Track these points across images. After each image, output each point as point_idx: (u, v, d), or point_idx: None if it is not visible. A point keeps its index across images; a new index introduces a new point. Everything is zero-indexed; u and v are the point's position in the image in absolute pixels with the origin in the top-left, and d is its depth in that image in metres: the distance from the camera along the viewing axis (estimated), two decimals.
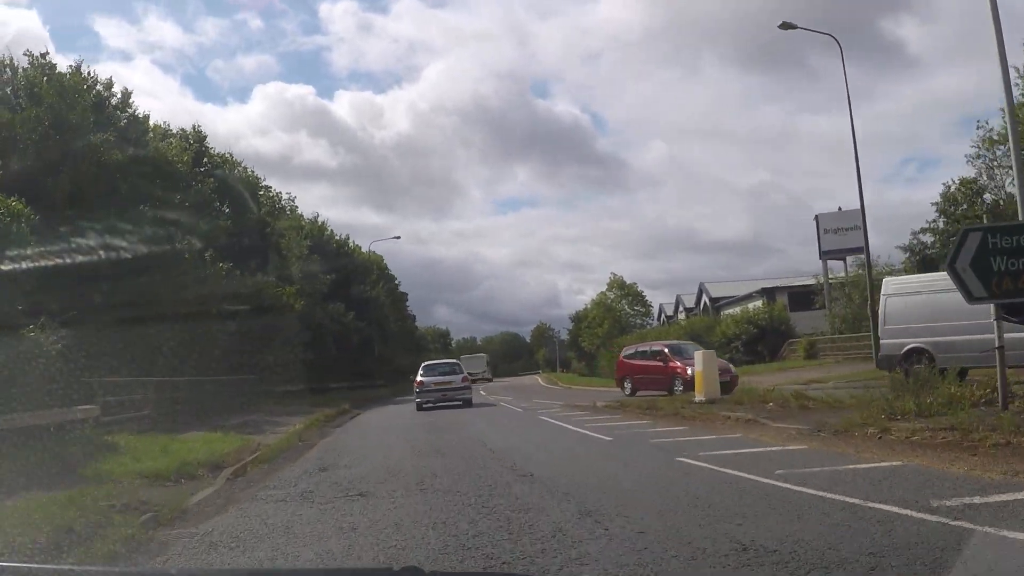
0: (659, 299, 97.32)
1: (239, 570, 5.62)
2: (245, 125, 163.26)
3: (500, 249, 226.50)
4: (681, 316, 78.41)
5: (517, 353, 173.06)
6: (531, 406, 25.42)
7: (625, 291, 73.77)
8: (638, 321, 74.49)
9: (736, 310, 55.94)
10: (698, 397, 19.94)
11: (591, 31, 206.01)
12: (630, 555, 5.51)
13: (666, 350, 27.30)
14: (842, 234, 39.01)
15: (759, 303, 52.49)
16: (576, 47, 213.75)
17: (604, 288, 74.30)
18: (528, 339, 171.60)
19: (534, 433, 16.26)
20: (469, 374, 33.90)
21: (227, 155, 39.71)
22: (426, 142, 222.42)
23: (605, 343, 72.92)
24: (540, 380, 78.97)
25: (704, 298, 71.78)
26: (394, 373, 64.03)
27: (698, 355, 21.72)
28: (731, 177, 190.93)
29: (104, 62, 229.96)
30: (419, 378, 29.57)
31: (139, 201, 24.91)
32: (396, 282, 67.49)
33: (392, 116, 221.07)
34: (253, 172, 40.47)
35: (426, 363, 33.10)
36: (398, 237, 61.10)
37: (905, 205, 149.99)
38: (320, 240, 51.25)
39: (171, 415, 20.44)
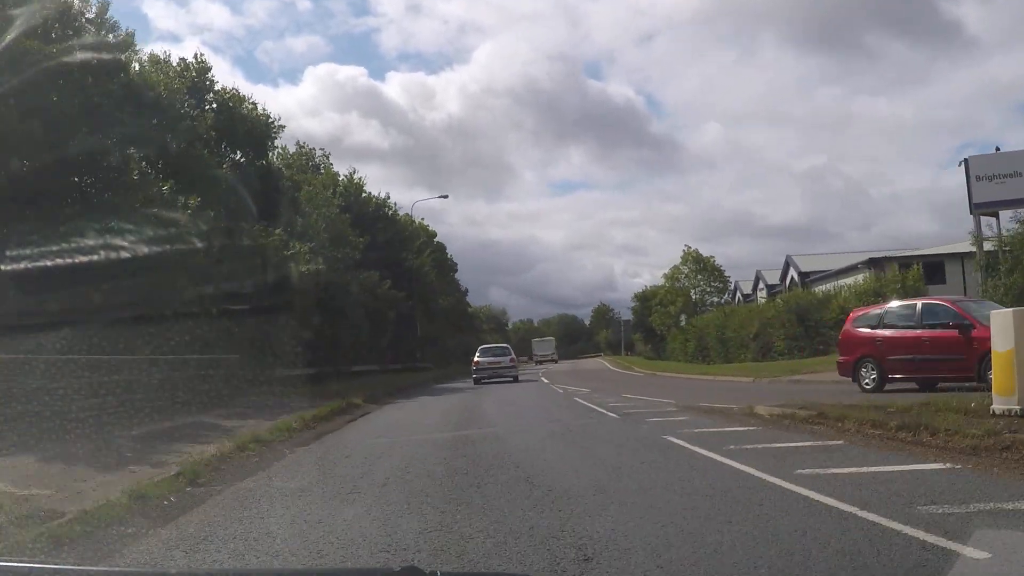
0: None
1: (239, 570, 5.14)
2: (297, 106, 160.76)
3: (555, 231, 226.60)
4: (761, 294, 70.14)
5: (575, 336, 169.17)
6: (624, 406, 17.25)
7: (701, 265, 65.68)
8: (715, 299, 66.32)
9: (828, 286, 47.63)
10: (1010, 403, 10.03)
11: (645, 11, 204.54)
12: None
13: (958, 308, 16.48)
14: (999, 182, 30.62)
15: (864, 275, 44.13)
16: (629, 27, 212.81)
17: (678, 262, 66.45)
18: (586, 322, 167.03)
19: (718, 509, 6.43)
20: (539, 356, 41.47)
21: (235, 91, 32.87)
22: (478, 124, 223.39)
23: (678, 323, 65.18)
24: (607, 363, 71.65)
25: (791, 273, 63.27)
26: (441, 354, 57.10)
27: (1000, 317, 10.98)
28: (787, 160, 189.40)
29: (155, 43, 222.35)
30: (476, 358, 36.73)
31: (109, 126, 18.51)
32: (446, 253, 60.34)
33: (444, 97, 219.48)
34: (267, 114, 33.54)
35: (482, 346, 41.38)
36: (446, 196, 48.96)
37: (962, 190, 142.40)
38: (355, 200, 44.33)
39: (95, 411, 13.70)
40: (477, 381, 33.95)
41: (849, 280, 45.03)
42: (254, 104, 32.66)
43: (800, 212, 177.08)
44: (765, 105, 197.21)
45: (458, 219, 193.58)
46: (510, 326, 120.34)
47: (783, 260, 64.48)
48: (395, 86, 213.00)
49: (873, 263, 46.57)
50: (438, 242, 58.65)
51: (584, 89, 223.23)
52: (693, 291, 65.92)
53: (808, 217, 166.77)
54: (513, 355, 37.62)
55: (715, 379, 28.85)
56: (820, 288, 51.42)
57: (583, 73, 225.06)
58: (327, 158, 44.38)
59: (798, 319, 35.84)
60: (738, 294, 77.59)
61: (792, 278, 63.35)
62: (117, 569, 4.82)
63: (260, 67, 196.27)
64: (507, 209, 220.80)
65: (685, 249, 66.05)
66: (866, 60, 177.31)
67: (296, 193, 34.44)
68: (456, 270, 63.50)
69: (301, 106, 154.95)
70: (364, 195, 46.06)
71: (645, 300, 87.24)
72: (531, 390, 27.25)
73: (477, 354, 37.15)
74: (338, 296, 32.92)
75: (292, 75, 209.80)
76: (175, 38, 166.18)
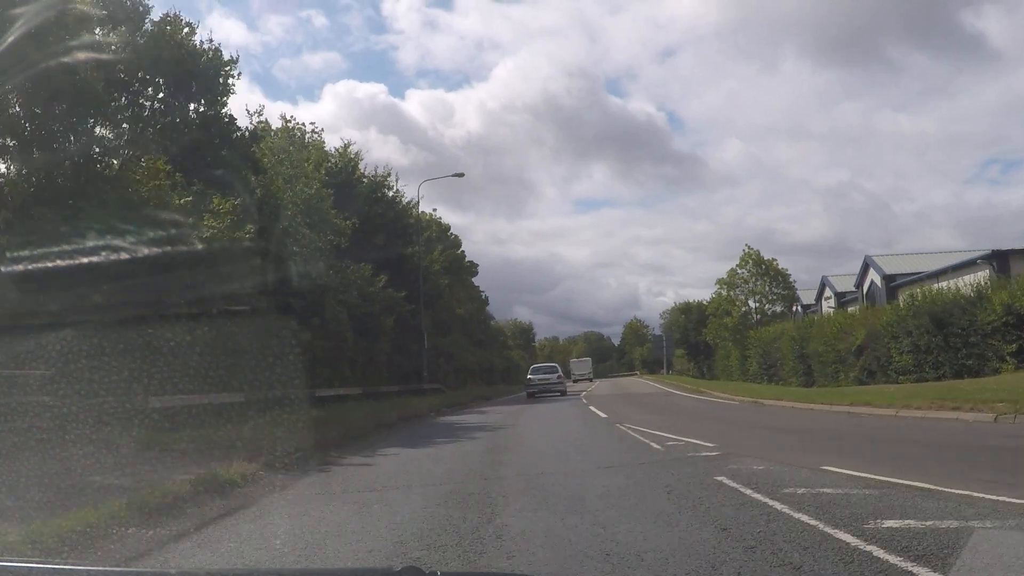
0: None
1: (239, 570, 5.44)
2: (317, 123, 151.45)
3: (579, 249, 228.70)
4: (828, 303, 60.52)
5: (604, 354, 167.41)
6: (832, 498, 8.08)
7: (763, 269, 56.07)
8: (777, 308, 56.47)
9: (915, 290, 38.11)
10: None
11: (664, 26, 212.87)
12: None
13: None
14: None
15: (984, 273, 34.52)
16: (649, 43, 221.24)
17: (735, 264, 56.73)
18: (615, 340, 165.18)
19: None
20: (576, 375, 53.24)
21: (183, 18, 24.09)
22: (499, 140, 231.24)
23: (736, 338, 55.58)
24: (650, 382, 62.21)
25: (871, 277, 53.59)
26: (457, 373, 47.79)
27: None
28: (810, 176, 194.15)
29: None
30: (529, 376, 44.59)
31: None
32: (462, 252, 51.13)
33: (463, 115, 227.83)
34: (216, 48, 24.75)
35: (533, 366, 50.20)
36: (461, 174, 39.72)
37: (987, 207, 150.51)
38: (345, 177, 35.31)
39: None
40: (530, 396, 40.26)
41: (961, 280, 35.35)
42: (190, 28, 23.76)
43: (824, 229, 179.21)
44: (787, 120, 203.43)
45: (482, 237, 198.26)
46: (536, 342, 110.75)
47: (818, 279, 55.49)
48: (415, 103, 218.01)
49: (996, 255, 36.91)
50: (453, 236, 49.53)
51: (605, 105, 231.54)
52: (752, 299, 56.28)
53: (832, 234, 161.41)
54: (560, 373, 46.19)
55: (851, 412, 19.37)
56: (909, 291, 41.84)
57: (604, 89, 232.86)
58: (319, 135, 35.35)
59: (935, 325, 26.22)
60: (796, 306, 67.89)
61: (872, 283, 53.72)
62: (117, 569, 4.76)
63: (278, 84, 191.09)
64: (530, 227, 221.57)
65: (745, 249, 56.49)
66: (889, 73, 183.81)
67: (253, 147, 25.55)
68: (475, 272, 54.19)
69: (321, 123, 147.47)
70: (357, 173, 36.96)
71: (687, 312, 77.75)
72: (583, 435, 17.96)
73: (529, 373, 45.85)
74: (308, 294, 23.88)
75: (310, 92, 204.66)
76: None
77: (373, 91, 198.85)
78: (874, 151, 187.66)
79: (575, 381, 78.58)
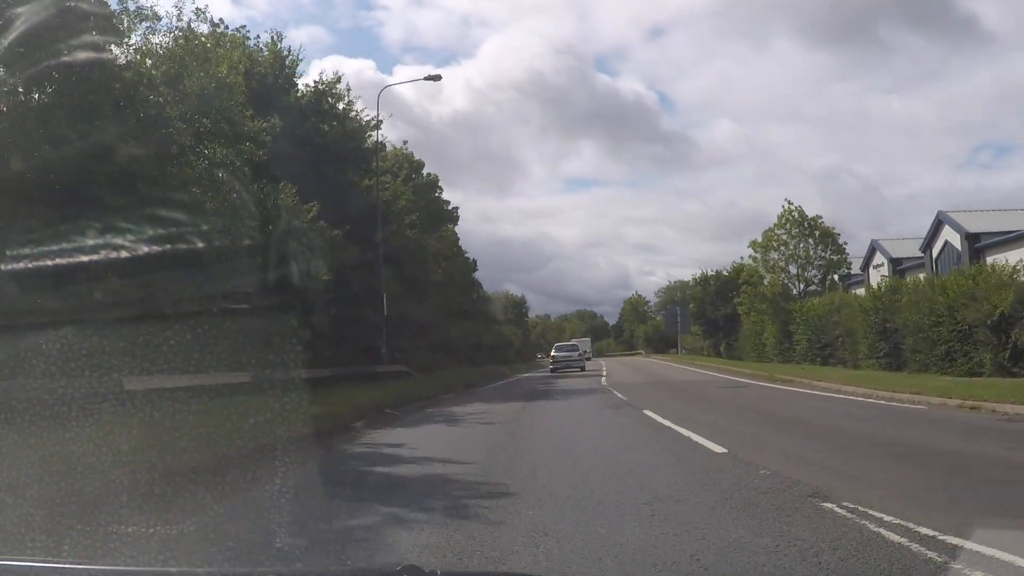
0: None
1: (239, 570, 5.10)
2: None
3: (570, 229, 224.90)
4: (877, 271, 51.05)
5: (598, 333, 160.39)
6: None
7: (806, 229, 46.26)
8: (817, 277, 46.52)
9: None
10: None
11: (655, 3, 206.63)
12: None
13: None
14: None
15: None
16: (640, 21, 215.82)
17: (772, 224, 46.83)
18: (607, 319, 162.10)
19: None
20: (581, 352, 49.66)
21: None
22: (487, 118, 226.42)
23: (774, 312, 45.94)
24: (672, 363, 52.79)
25: (944, 237, 44.15)
26: (433, 351, 37.84)
27: None
28: (802, 158, 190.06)
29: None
30: (552, 354, 48.61)
31: None
32: (438, 194, 40.58)
33: (451, 92, 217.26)
34: None
35: (557, 344, 56.33)
36: (438, 77, 28.50)
37: (978, 192, 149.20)
38: (274, 81, 25.25)
39: None
40: (554, 371, 43.52)
41: None
42: None
43: (816, 211, 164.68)
44: (779, 101, 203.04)
45: (472, 215, 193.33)
46: (528, 318, 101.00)
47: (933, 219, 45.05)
48: (402, 79, 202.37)
49: None
50: (429, 176, 39.26)
51: (594, 84, 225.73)
52: (793, 264, 46.43)
53: (825, 216, 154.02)
54: (581, 351, 49.39)
55: None
56: (1003, 254, 32.46)
57: (593, 68, 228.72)
58: (242, 33, 25.24)
59: None
60: (834, 276, 58.22)
61: (947, 245, 44.30)
62: (117, 568, 4.55)
63: None
64: (519, 205, 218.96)
65: (785, 206, 46.58)
66: (881, 55, 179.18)
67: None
68: (456, 220, 43.65)
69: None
70: (295, 78, 26.81)
71: (706, 284, 67.99)
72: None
73: (553, 351, 48.97)
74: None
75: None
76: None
77: (360, 67, 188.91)
78: (866, 134, 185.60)
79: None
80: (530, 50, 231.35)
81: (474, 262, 53.45)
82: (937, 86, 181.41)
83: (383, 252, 27.20)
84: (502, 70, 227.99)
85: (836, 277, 46.78)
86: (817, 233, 46.00)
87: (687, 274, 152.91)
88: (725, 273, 67.02)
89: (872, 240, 52.73)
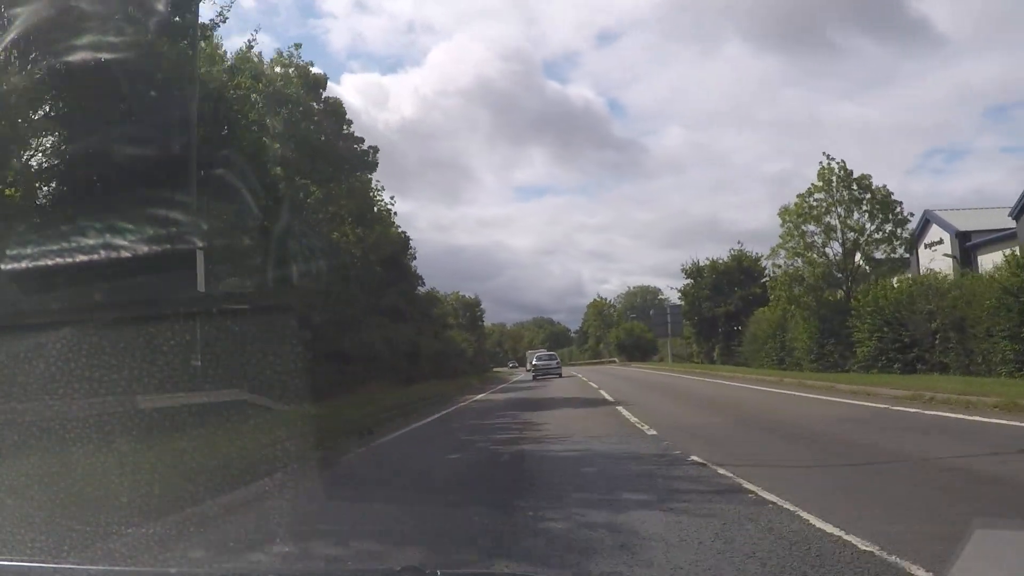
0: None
1: (239, 570, 5.39)
2: None
3: (524, 237, 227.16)
4: (933, 252, 39.32)
5: (558, 340, 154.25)
6: None
7: (854, 192, 34.34)
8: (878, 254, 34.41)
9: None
10: None
11: (604, 8, 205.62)
12: None
13: None
14: None
15: None
16: (587, 25, 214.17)
17: (808, 188, 34.67)
18: (567, 325, 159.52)
19: None
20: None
21: None
22: (436, 126, 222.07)
23: (816, 305, 33.97)
24: (673, 373, 40.06)
25: (935, 235, 34.26)
26: (337, 363, 25.06)
27: None
28: (754, 164, 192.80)
29: None
30: (533, 363, 56.32)
31: None
32: (349, 131, 27.74)
33: (399, 98, 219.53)
34: None
35: (537, 353, 67.34)
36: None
37: (931, 197, 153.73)
38: None
39: None
40: (535, 377, 49.26)
41: None
42: None
43: (768, 217, 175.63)
44: (730, 107, 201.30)
45: (425, 224, 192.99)
46: (484, 322, 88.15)
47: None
48: (349, 87, 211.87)
49: None
50: (330, 99, 26.22)
51: (544, 90, 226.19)
52: (835, 238, 34.40)
53: (776, 222, 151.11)
54: (559, 359, 57.73)
55: None
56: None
57: (543, 74, 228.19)
58: None
59: None
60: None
61: (940, 240, 34.44)
62: (117, 569, 4.73)
63: None
64: (473, 214, 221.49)
65: (823, 163, 34.50)
66: (832, 59, 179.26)
67: None
68: (375, 167, 30.06)
69: None
70: None
71: (699, 277, 55.95)
72: None
73: (535, 360, 56.19)
74: None
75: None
76: None
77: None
78: (818, 139, 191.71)
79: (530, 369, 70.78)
80: (477, 56, 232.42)
81: (406, 238, 40.49)
82: (888, 90, 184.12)
83: (207, 189, 14.28)
84: (449, 76, 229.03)
85: (903, 253, 34.64)
86: (867, 197, 34.00)
87: (639, 281, 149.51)
88: (723, 261, 55.10)
89: (925, 211, 40.95)
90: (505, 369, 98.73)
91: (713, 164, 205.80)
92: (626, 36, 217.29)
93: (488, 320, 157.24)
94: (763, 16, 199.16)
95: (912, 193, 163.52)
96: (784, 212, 35.88)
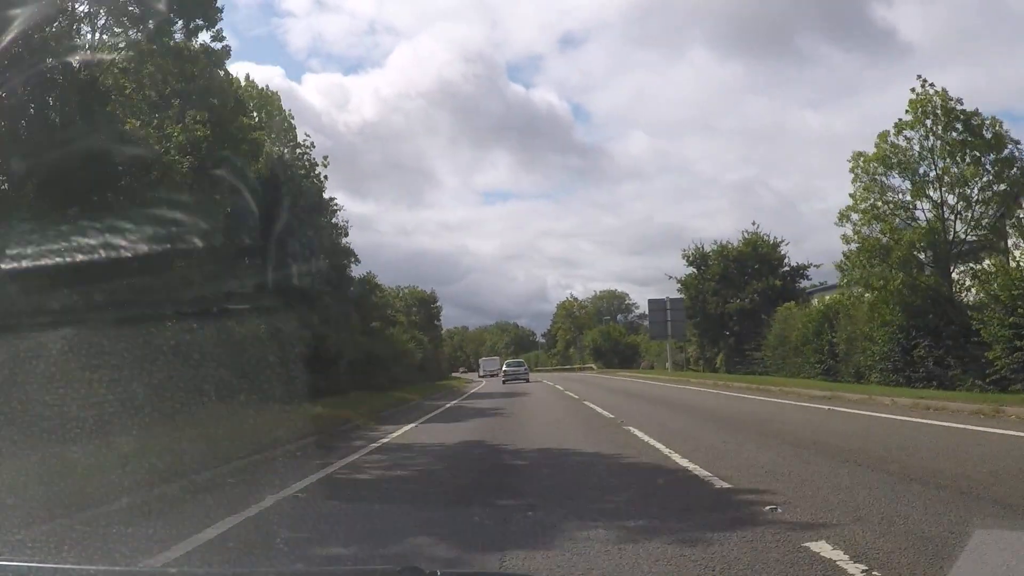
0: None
1: (239, 570, 5.41)
2: None
3: (487, 241, 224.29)
4: None
5: (522, 344, 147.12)
6: None
7: (957, 128, 24.27)
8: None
9: None
10: None
11: (569, 11, 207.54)
12: None
13: None
14: None
15: None
16: (551, 27, 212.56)
17: (898, 119, 24.60)
18: (529, 328, 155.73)
19: None
20: (488, 371, 74.51)
21: None
22: (398, 128, 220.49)
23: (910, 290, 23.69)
24: (685, 386, 28.84)
25: None
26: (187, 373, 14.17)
27: None
28: (718, 172, 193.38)
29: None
30: (504, 369, 58.63)
31: None
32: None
33: (360, 100, 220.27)
34: None
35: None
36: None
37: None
38: None
39: None
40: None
41: None
42: None
43: (733, 226, 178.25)
44: (695, 114, 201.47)
45: (389, 227, 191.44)
46: (441, 319, 76.66)
47: None
48: (310, 88, 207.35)
49: None
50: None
51: (507, 94, 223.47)
52: (934, 187, 24.01)
53: (743, 229, 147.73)
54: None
55: None
56: None
57: (506, 77, 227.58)
58: None
59: None
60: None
61: None
62: (117, 569, 4.71)
63: None
64: (436, 218, 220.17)
65: (919, 88, 24.15)
66: (798, 66, 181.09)
67: None
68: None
69: None
70: None
71: (704, 265, 45.58)
72: None
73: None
74: None
75: None
76: None
77: (269, 74, 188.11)
78: (782, 147, 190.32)
79: (492, 375, 70.78)
80: (440, 58, 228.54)
81: (330, 198, 30.01)
82: (854, 99, 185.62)
83: None
84: (411, 78, 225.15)
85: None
86: (991, 141, 23.68)
87: (604, 287, 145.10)
88: (734, 246, 44.74)
89: None
90: (470, 376, 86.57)
91: (677, 171, 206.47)
92: (590, 40, 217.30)
93: (451, 324, 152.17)
94: (729, 22, 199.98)
95: None
96: (859, 159, 25.52)
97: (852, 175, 25.78)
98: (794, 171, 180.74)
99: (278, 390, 16.99)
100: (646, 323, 61.71)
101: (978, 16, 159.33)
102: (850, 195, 25.84)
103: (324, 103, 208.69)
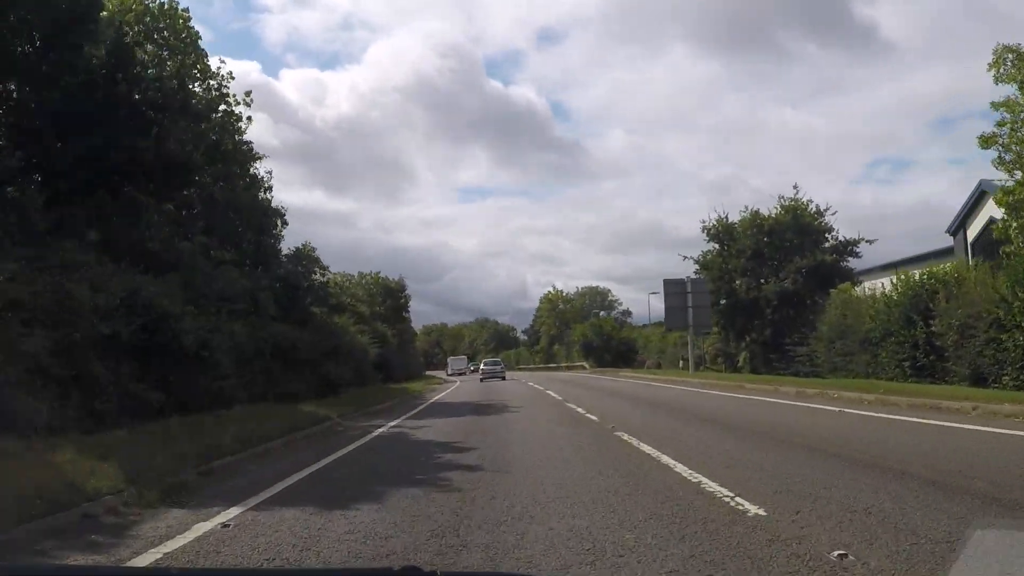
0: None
1: (239, 570, 5.26)
2: None
3: (468, 239, 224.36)
4: None
5: (503, 341, 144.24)
6: None
7: None
8: None
9: None
10: None
11: (545, 6, 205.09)
12: None
13: None
14: None
15: None
16: (529, 23, 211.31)
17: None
18: (510, 324, 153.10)
19: None
20: (456, 370, 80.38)
21: None
22: (375, 124, 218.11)
23: None
24: (778, 400, 18.89)
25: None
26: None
27: None
28: (696, 169, 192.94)
29: None
30: (482, 367, 62.74)
31: None
32: None
33: (337, 95, 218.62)
34: None
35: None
36: None
37: (876, 207, 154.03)
38: None
39: None
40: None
41: None
42: None
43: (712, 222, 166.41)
44: (673, 111, 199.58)
45: (369, 224, 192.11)
46: (409, 312, 67.04)
47: None
48: (287, 83, 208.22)
49: None
50: None
51: (486, 90, 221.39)
52: None
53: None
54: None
55: None
56: None
57: (484, 73, 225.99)
58: None
59: None
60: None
61: None
62: (117, 568, 4.71)
63: None
64: (416, 214, 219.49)
65: None
66: (778, 64, 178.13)
67: None
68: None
69: None
70: None
71: (726, 238, 36.95)
72: None
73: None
74: None
75: None
76: None
77: (246, 68, 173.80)
78: (761, 145, 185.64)
79: (460, 373, 78.33)
80: (417, 53, 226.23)
81: (248, 141, 22.17)
82: (834, 98, 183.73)
83: None
84: (389, 74, 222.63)
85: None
86: None
87: (585, 284, 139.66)
88: (769, 216, 36.08)
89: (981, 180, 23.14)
90: (443, 376, 75.19)
91: (656, 168, 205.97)
92: (569, 37, 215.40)
93: (429, 321, 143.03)
94: (709, 19, 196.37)
95: (858, 203, 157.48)
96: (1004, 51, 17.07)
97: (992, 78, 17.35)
98: (771, 169, 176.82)
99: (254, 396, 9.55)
100: (631, 320, 53.19)
101: (960, 14, 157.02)
102: (994, 107, 17.51)
103: (301, 98, 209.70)
